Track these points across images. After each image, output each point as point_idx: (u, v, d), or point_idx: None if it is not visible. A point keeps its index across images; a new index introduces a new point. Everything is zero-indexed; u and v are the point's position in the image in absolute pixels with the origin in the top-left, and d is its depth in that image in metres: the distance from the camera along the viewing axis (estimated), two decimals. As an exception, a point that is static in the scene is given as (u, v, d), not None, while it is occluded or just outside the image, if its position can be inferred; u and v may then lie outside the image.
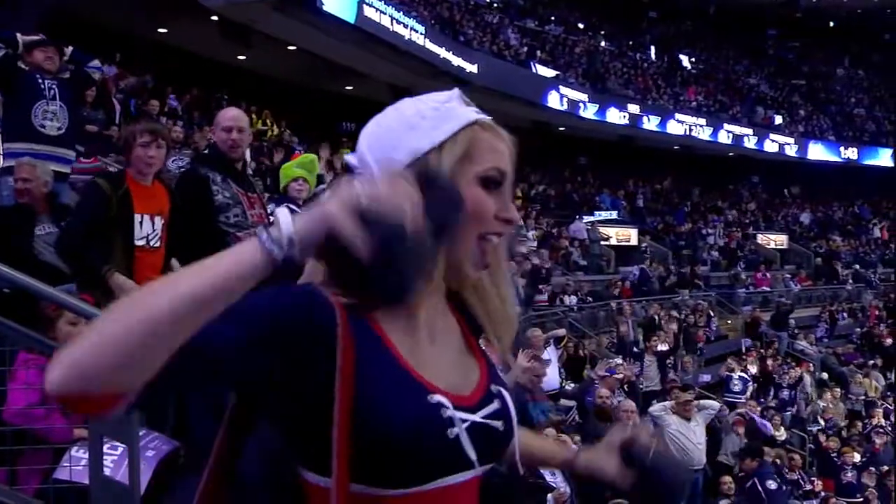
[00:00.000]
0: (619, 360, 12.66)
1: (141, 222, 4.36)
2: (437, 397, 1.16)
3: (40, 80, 5.86)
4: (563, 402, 8.12)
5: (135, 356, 0.97)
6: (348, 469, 1.12)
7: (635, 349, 14.64)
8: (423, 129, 1.23)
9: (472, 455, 1.18)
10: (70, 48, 6.20)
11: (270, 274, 1.04)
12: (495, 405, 1.25)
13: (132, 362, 0.97)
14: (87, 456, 3.38)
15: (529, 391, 7.69)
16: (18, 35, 5.95)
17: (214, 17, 17.65)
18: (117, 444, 3.45)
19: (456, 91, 1.30)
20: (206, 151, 6.08)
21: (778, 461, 11.88)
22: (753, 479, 8.36)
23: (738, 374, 14.97)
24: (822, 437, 14.01)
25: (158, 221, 4.43)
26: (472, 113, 1.27)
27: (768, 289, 25.46)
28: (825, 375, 19.04)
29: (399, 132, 1.23)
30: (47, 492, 3.40)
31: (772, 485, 8.40)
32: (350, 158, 1.28)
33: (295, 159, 6.81)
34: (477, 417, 1.21)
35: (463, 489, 1.20)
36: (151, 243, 4.39)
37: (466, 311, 1.33)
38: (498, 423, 1.24)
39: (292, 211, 1.08)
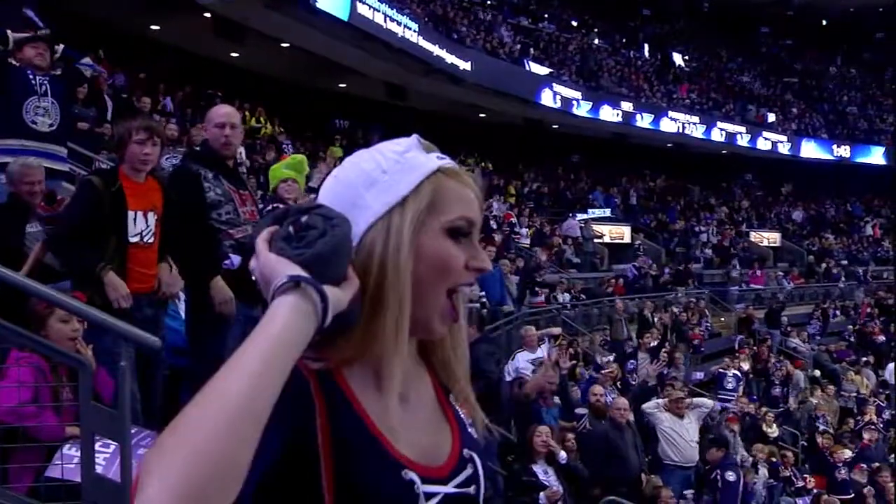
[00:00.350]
0: (611, 359, 12.69)
1: (135, 219, 4.35)
2: (410, 474, 1.13)
3: (32, 77, 5.83)
4: (578, 410, 8.17)
5: (227, 455, 0.90)
6: None
7: (628, 347, 14.67)
8: (384, 185, 1.16)
9: None
10: (61, 46, 6.18)
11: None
12: (468, 471, 1.22)
13: (229, 463, 0.90)
14: (78, 454, 3.37)
15: (542, 396, 7.68)
16: (9, 32, 5.92)
17: (207, 14, 17.61)
18: (109, 442, 3.44)
19: (414, 138, 1.22)
20: (198, 148, 6.07)
21: (773, 459, 11.93)
22: (716, 470, 8.41)
23: (732, 371, 15.02)
24: (817, 435, 14.05)
25: (152, 217, 4.42)
26: (433, 160, 1.19)
27: (761, 286, 25.55)
28: (818, 373, 19.09)
29: (359, 188, 1.16)
30: (39, 490, 3.39)
31: (731, 476, 8.46)
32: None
33: (284, 160, 6.79)
34: (449, 488, 1.17)
35: None
36: (145, 240, 4.39)
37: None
38: (470, 489, 1.21)
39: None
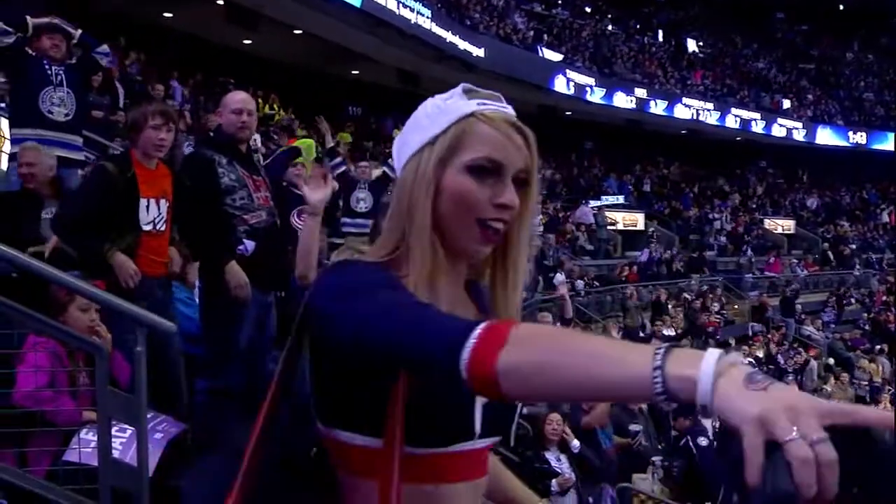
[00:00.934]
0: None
1: (147, 206, 4.37)
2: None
3: (48, 66, 5.86)
4: (632, 427, 8.17)
5: (545, 389, 1.04)
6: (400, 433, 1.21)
7: (642, 333, 14.66)
8: (423, 127, 1.32)
9: (479, 424, 1.27)
10: (79, 31, 6.18)
11: None
12: None
13: (543, 393, 1.08)
14: (95, 438, 3.40)
15: (585, 411, 7.53)
16: (28, 18, 5.94)
17: (220, 2, 17.61)
18: (126, 426, 3.47)
19: (461, 86, 1.36)
20: (212, 134, 6.10)
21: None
22: (686, 436, 8.40)
23: (747, 360, 14.98)
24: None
25: (164, 204, 4.44)
26: (471, 106, 1.31)
27: (776, 274, 25.43)
28: (832, 361, 19.03)
29: (409, 133, 1.35)
30: (57, 473, 3.43)
31: (703, 441, 8.44)
32: (387, 168, 1.36)
33: (291, 144, 6.81)
34: None
35: (472, 457, 1.30)
36: (158, 227, 4.42)
37: (481, 300, 1.40)
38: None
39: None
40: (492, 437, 1.32)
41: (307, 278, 3.53)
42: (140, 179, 4.35)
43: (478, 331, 1.04)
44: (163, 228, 4.44)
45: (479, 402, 1.26)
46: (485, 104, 1.31)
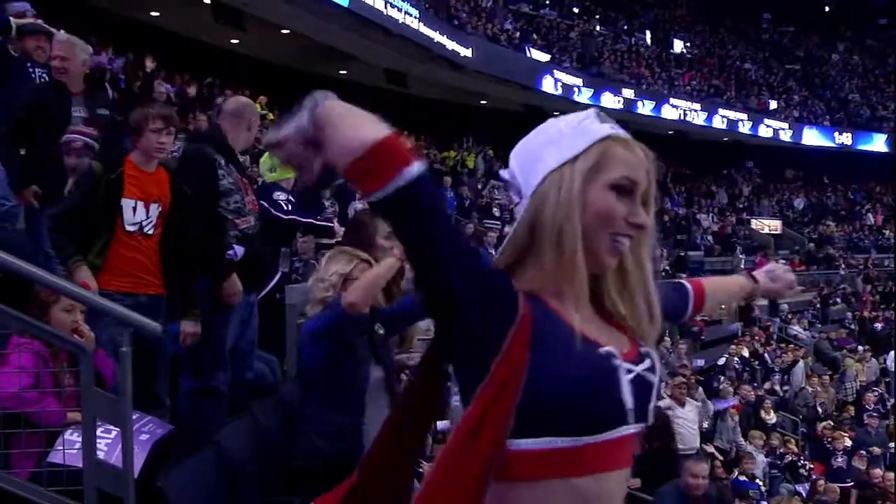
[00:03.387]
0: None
1: (134, 208, 4.25)
2: (608, 348, 1.36)
3: (31, 70, 5.75)
4: None
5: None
6: (500, 424, 1.29)
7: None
8: (561, 144, 1.41)
9: (630, 405, 1.36)
10: (61, 32, 6.12)
11: None
12: (647, 362, 1.41)
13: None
14: (80, 439, 3.38)
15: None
16: (12, 19, 5.88)
17: (207, 1, 17.54)
18: (111, 427, 3.45)
19: (593, 111, 1.47)
20: (207, 134, 5.96)
21: (774, 444, 11.97)
22: None
23: (735, 359, 15.07)
24: (818, 423, 14.09)
25: (155, 209, 4.31)
26: (606, 128, 1.43)
27: (762, 273, 25.51)
28: (818, 361, 19.14)
29: (541, 147, 1.43)
30: (41, 475, 3.40)
31: None
32: (503, 174, 1.49)
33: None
34: (638, 369, 1.39)
35: (623, 444, 1.37)
36: (145, 230, 4.28)
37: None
38: (653, 378, 1.41)
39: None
40: (641, 421, 1.39)
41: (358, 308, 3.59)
42: (130, 181, 4.24)
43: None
44: (151, 232, 4.30)
45: (626, 383, 1.36)
46: (615, 128, 1.43)
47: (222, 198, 4.43)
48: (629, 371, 1.37)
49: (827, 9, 39.35)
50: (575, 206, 1.36)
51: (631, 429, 1.37)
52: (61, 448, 3.42)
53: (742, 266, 25.58)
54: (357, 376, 3.78)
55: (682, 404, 9.50)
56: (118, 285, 4.13)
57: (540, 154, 1.42)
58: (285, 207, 5.41)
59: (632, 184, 1.39)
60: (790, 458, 12.13)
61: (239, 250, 4.47)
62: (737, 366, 15.66)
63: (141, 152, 4.30)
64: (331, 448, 3.61)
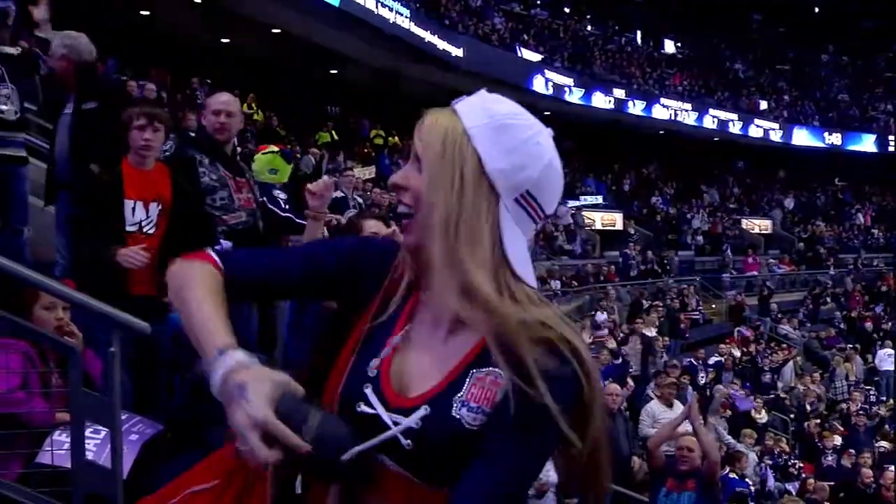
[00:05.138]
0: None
1: (133, 208, 4.24)
2: (368, 389, 1.33)
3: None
4: None
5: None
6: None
7: (620, 333, 14.71)
8: None
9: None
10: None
11: None
12: (413, 420, 1.29)
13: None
14: (69, 440, 3.36)
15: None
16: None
17: (198, 0, 17.48)
18: (100, 427, 3.43)
19: None
20: (194, 134, 6.04)
21: (773, 447, 12.00)
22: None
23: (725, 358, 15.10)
24: (806, 421, 14.14)
25: (154, 207, 4.30)
26: None
27: (752, 273, 25.63)
28: (808, 360, 19.21)
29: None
30: (29, 476, 3.38)
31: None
32: None
33: (264, 154, 6.53)
34: (394, 419, 1.30)
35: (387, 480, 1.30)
36: (145, 230, 4.27)
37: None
38: (403, 437, 1.29)
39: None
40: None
41: None
42: (127, 181, 4.23)
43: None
44: (151, 231, 4.27)
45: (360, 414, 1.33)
46: None
47: (206, 195, 4.45)
48: (376, 417, 1.31)
49: (816, 10, 39.48)
50: None
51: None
52: (49, 449, 3.39)
53: (731, 266, 25.68)
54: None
55: (671, 405, 9.45)
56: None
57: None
58: (283, 206, 5.45)
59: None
60: (781, 457, 12.16)
61: (227, 245, 4.47)
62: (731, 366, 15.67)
63: (132, 151, 4.28)
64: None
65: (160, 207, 4.31)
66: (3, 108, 5.40)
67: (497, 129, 1.33)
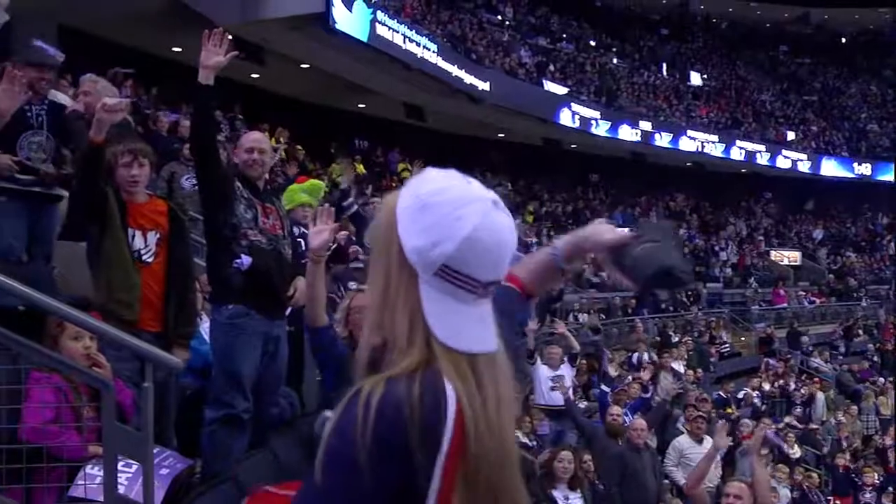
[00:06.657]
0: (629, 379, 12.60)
1: (133, 237, 4.36)
2: None
3: (27, 106, 4.99)
4: None
5: None
6: None
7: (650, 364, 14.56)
8: None
9: None
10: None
11: None
12: None
13: None
14: (101, 474, 3.38)
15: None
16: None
17: (229, 36, 17.70)
18: (132, 461, 3.46)
19: None
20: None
21: (802, 482, 11.77)
22: None
23: (755, 393, 14.89)
24: (839, 456, 13.87)
25: (153, 237, 4.41)
26: None
27: (781, 305, 25.36)
28: (840, 393, 18.89)
29: None
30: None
31: None
32: None
33: (301, 183, 6.82)
34: None
35: None
36: (144, 258, 4.38)
37: None
38: None
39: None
40: None
41: (316, 322, 3.70)
42: (127, 211, 4.37)
43: None
44: (150, 260, 4.37)
45: None
46: None
47: (238, 205, 4.54)
48: None
49: (843, 40, 39.34)
50: None
51: None
52: (82, 482, 3.42)
53: (759, 298, 25.42)
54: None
55: (700, 441, 9.25)
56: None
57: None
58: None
59: None
60: (813, 493, 11.93)
61: (246, 260, 4.54)
62: (755, 400, 15.46)
63: (121, 188, 4.37)
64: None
65: (158, 236, 4.40)
66: (33, 155, 4.98)
67: (419, 210, 1.38)
